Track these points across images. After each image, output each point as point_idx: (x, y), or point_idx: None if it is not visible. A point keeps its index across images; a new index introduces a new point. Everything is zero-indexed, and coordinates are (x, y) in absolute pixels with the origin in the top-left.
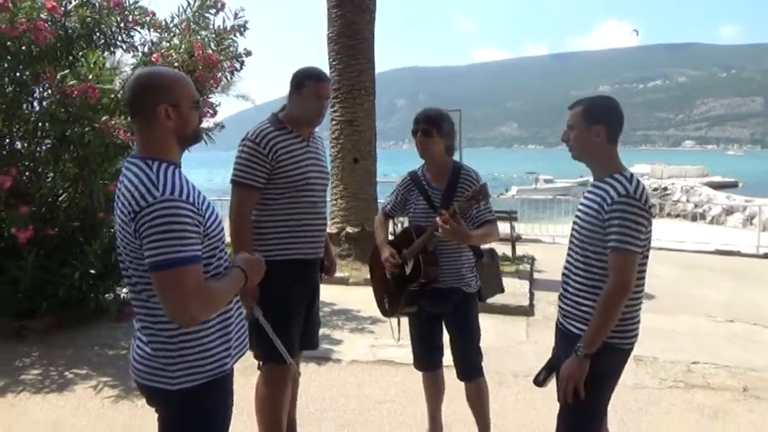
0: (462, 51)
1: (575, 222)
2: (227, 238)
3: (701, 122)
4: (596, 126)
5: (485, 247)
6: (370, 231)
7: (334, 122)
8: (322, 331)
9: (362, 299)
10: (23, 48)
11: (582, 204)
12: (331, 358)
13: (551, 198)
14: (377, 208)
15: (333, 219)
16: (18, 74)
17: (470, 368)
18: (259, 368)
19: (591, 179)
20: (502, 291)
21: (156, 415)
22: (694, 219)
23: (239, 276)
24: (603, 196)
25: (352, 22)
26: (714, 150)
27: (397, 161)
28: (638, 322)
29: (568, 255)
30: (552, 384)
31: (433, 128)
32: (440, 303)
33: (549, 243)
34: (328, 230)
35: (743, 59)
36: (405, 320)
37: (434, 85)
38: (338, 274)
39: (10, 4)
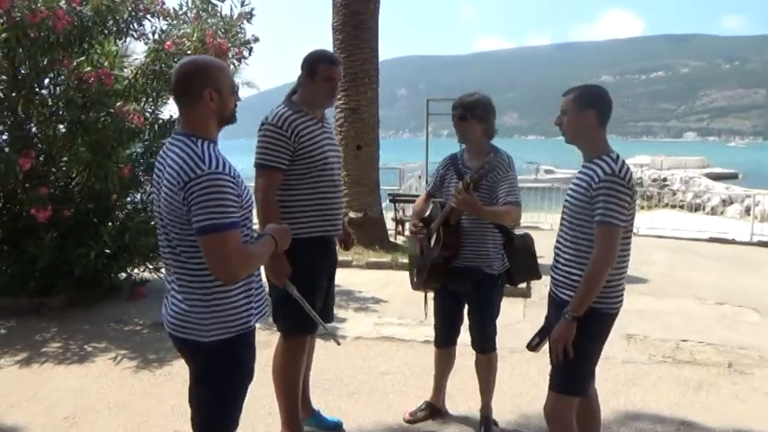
0: (464, 41)
1: (566, 200)
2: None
3: (703, 114)
4: (587, 111)
5: (519, 231)
6: (373, 216)
7: (338, 110)
8: None
9: (365, 281)
10: (42, 35)
11: (573, 183)
12: (336, 334)
13: (550, 186)
14: (379, 194)
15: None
16: (37, 60)
17: (485, 343)
18: (284, 339)
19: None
20: (537, 277)
21: (174, 382)
22: (693, 209)
23: (270, 242)
24: (591, 175)
25: (356, 12)
26: (716, 142)
27: (397, 150)
28: (623, 289)
29: (560, 230)
30: (545, 360)
31: (467, 113)
32: (460, 281)
33: (547, 230)
34: None
35: (746, 51)
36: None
37: (436, 74)
38: (342, 258)
39: None
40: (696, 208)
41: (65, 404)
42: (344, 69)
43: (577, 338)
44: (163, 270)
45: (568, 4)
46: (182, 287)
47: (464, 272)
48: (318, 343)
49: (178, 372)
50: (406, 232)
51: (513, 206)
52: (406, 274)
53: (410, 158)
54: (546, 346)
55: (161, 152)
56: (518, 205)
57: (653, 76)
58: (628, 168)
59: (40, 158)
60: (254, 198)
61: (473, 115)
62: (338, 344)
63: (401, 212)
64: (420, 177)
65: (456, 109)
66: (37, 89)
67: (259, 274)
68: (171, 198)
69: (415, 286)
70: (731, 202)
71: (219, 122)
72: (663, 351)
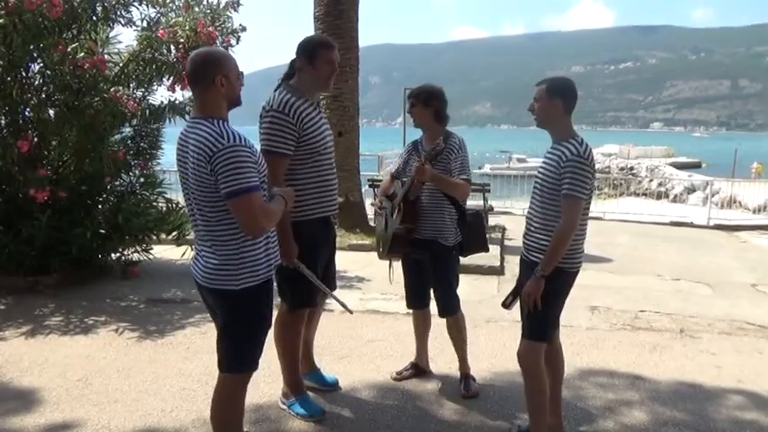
0: (438, 29)
1: (537, 176)
2: None
3: (669, 104)
4: (555, 100)
5: (470, 208)
6: (354, 201)
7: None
8: None
9: (348, 262)
10: (36, 20)
11: (543, 162)
12: (324, 309)
13: (522, 174)
14: (359, 179)
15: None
16: (30, 46)
17: (447, 306)
18: (287, 312)
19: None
20: (486, 250)
21: (178, 350)
22: (658, 197)
23: (281, 201)
24: (560, 155)
25: (337, 2)
26: (681, 132)
27: (371, 138)
28: (582, 252)
29: (531, 201)
30: (516, 329)
31: (415, 100)
32: (420, 251)
33: (519, 215)
34: None
35: (712, 43)
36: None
37: (409, 62)
38: None
39: None
40: (661, 195)
41: (76, 368)
42: None
43: (544, 292)
44: (152, 251)
45: None
46: (213, 245)
47: (423, 243)
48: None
49: (180, 342)
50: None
51: (464, 182)
52: None
53: (385, 147)
54: (512, 314)
55: (181, 135)
56: (469, 182)
57: (622, 67)
58: (590, 150)
59: (34, 140)
60: (263, 161)
61: (418, 101)
62: (350, 312)
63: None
64: None
65: (408, 99)
66: (27, 74)
67: (274, 233)
68: (199, 172)
69: (381, 256)
70: (694, 190)
71: (229, 105)
72: (623, 320)
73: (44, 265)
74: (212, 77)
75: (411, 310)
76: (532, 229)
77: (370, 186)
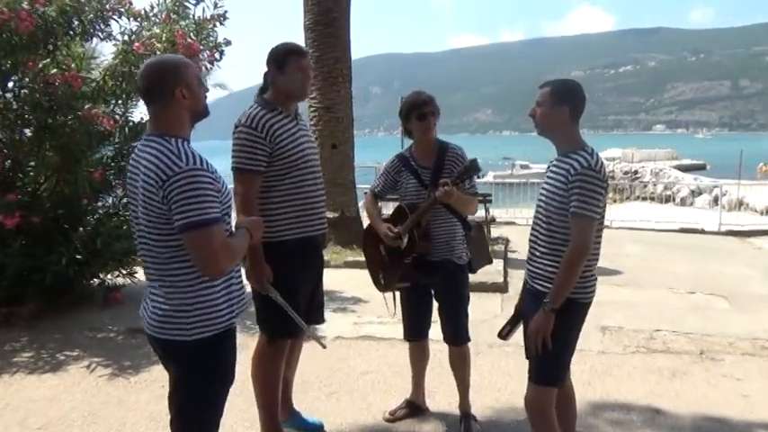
0: (438, 37)
1: (541, 193)
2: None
3: (671, 106)
4: (561, 106)
5: (472, 221)
6: (350, 216)
7: (312, 109)
8: None
9: (344, 281)
10: (4, 36)
11: (548, 177)
12: (321, 338)
13: (525, 182)
14: (355, 193)
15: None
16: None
17: (460, 334)
18: (266, 343)
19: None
20: (490, 262)
21: (151, 389)
22: (664, 201)
23: (246, 234)
24: (567, 169)
25: (328, 10)
26: (684, 134)
27: (373, 148)
28: (595, 279)
29: (535, 223)
30: (523, 352)
31: (435, 110)
32: (432, 274)
33: (523, 225)
34: None
35: (711, 44)
36: (398, 295)
37: (410, 71)
38: None
39: None
40: (666, 199)
41: (38, 414)
42: (317, 68)
43: (554, 329)
44: (138, 275)
45: (540, 0)
46: (164, 288)
47: (436, 265)
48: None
49: (156, 378)
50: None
51: (474, 197)
52: None
53: (385, 156)
54: (519, 337)
55: (133, 155)
56: (476, 195)
57: (622, 70)
58: (602, 163)
59: (7, 164)
60: (233, 197)
61: (434, 113)
62: (323, 347)
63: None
64: None
65: (427, 106)
66: (1, 92)
67: (239, 272)
68: (149, 199)
69: (384, 288)
70: (700, 193)
71: (193, 118)
72: (637, 341)
73: (19, 294)
74: (171, 91)
75: (409, 342)
76: (537, 254)
77: None
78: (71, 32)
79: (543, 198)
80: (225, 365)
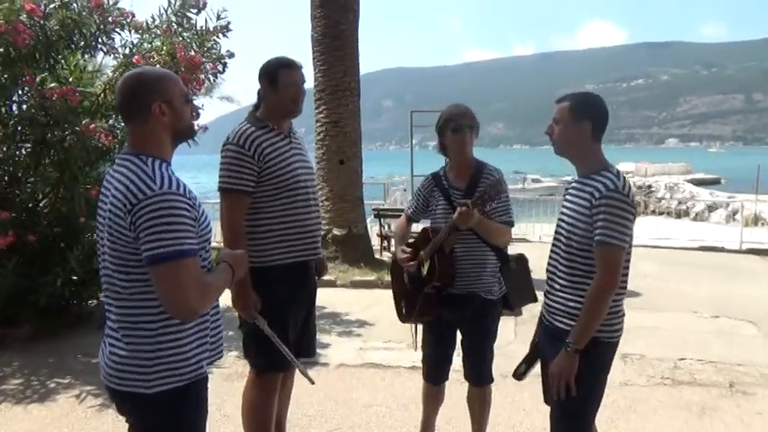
0: (450, 51)
1: (560, 219)
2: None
3: (684, 120)
4: (583, 122)
5: (512, 251)
6: (357, 233)
7: (318, 124)
8: None
9: (349, 302)
10: (1, 50)
11: (567, 201)
12: (318, 362)
13: (537, 198)
14: (363, 209)
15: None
16: None
17: (483, 375)
18: (256, 376)
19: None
20: (534, 300)
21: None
22: (678, 216)
23: (227, 270)
24: (591, 192)
25: (336, 23)
26: (697, 147)
27: (384, 161)
28: (623, 315)
29: (553, 251)
30: (539, 384)
31: (474, 124)
32: (457, 310)
33: (535, 242)
34: None
35: (724, 57)
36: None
37: (421, 85)
38: (325, 277)
39: None
40: (681, 214)
41: None
42: (325, 82)
43: (579, 372)
44: None
45: (551, 14)
46: (123, 329)
47: (461, 299)
48: (298, 372)
49: None
50: (392, 249)
51: (507, 226)
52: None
53: (397, 170)
54: (537, 379)
55: (107, 175)
56: (511, 225)
57: (634, 84)
58: (630, 185)
59: (5, 179)
60: (211, 222)
61: (472, 128)
62: (312, 383)
63: (386, 228)
64: (405, 191)
65: (464, 119)
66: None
67: (216, 312)
68: (115, 224)
69: (405, 319)
70: (716, 208)
71: (175, 138)
72: (661, 371)
73: (15, 315)
74: (147, 106)
75: (426, 383)
76: (557, 286)
77: (375, 216)
78: (72, 46)
79: (563, 225)
80: (192, 423)
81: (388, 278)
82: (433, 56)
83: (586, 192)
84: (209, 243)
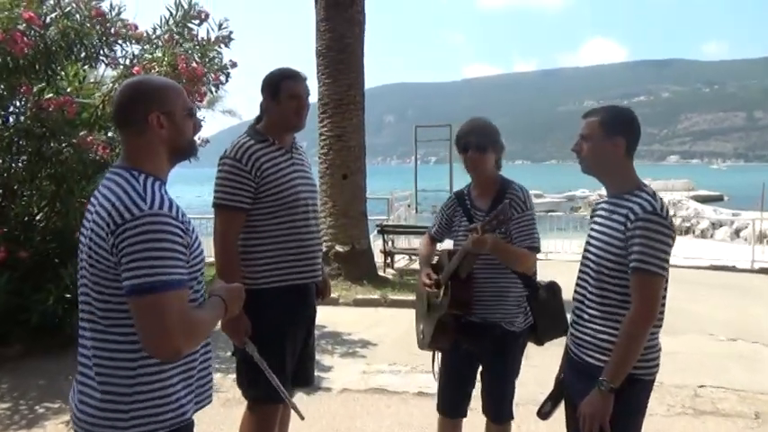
0: (452, 67)
1: (588, 243)
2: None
3: (685, 137)
4: (616, 138)
5: (543, 279)
6: (360, 250)
7: (322, 137)
8: None
9: (353, 321)
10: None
11: (596, 223)
12: (320, 387)
13: (540, 214)
14: (367, 225)
15: (321, 237)
16: None
17: (503, 410)
18: (250, 408)
19: (581, 193)
20: (564, 332)
21: None
22: (683, 233)
23: (219, 306)
24: (625, 213)
25: (341, 36)
26: (698, 164)
27: (386, 176)
28: (660, 350)
29: (581, 278)
30: (558, 416)
31: (488, 142)
32: (476, 340)
33: (541, 260)
34: None
35: (725, 75)
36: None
37: (424, 101)
38: None
39: None
40: (685, 231)
41: None
42: (329, 95)
43: (614, 413)
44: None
45: (554, 32)
46: (98, 366)
47: (481, 328)
48: (299, 398)
49: None
50: (396, 265)
51: (530, 252)
52: (397, 311)
53: (399, 185)
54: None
55: (94, 192)
56: (536, 250)
57: (635, 100)
58: (667, 207)
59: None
60: (203, 247)
61: (494, 146)
62: (302, 418)
63: (390, 244)
64: (409, 206)
65: (471, 136)
66: None
67: (207, 352)
68: (95, 245)
69: (422, 345)
70: (720, 225)
71: (174, 154)
72: (681, 400)
73: (5, 333)
74: (145, 115)
75: (441, 416)
76: (585, 317)
77: (379, 232)
78: (73, 56)
79: (591, 249)
80: None
81: (391, 296)
82: (435, 72)
83: (619, 214)
84: (202, 273)
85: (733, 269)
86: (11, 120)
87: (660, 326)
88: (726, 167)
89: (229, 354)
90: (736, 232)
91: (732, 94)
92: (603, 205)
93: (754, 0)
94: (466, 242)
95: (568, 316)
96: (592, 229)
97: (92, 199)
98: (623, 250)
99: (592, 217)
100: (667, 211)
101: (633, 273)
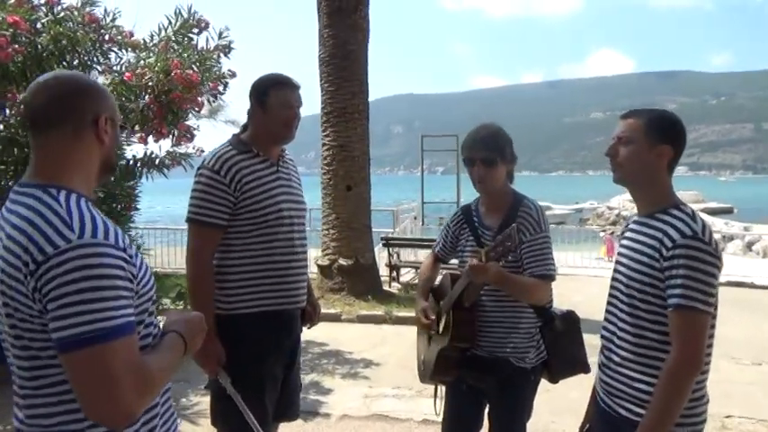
0: (459, 78)
1: (617, 270)
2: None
3: (693, 149)
4: (662, 146)
5: (559, 308)
6: (364, 263)
7: (325, 147)
8: (310, 377)
9: (355, 338)
10: None
11: (625, 247)
12: (319, 412)
13: (552, 226)
14: (371, 238)
15: (324, 250)
16: None
17: None
18: None
19: (589, 205)
20: (585, 370)
21: None
22: None
23: (178, 345)
24: (660, 238)
25: (344, 43)
26: (707, 176)
27: (392, 186)
28: (708, 402)
29: (610, 313)
30: None
31: (496, 155)
32: (481, 376)
33: None
34: (319, 262)
35: (733, 87)
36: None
37: (430, 111)
38: (330, 311)
39: None
40: None
41: None
42: (332, 103)
43: None
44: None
45: (560, 43)
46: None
47: (487, 364)
48: (296, 424)
49: None
50: (402, 278)
51: (541, 281)
52: (402, 328)
53: (405, 196)
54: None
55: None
56: (550, 279)
57: None
58: (711, 229)
59: None
60: (149, 273)
61: (503, 158)
62: None
63: (395, 257)
64: (415, 218)
65: (476, 150)
66: None
67: (167, 396)
68: (11, 289)
69: (422, 377)
70: (731, 239)
71: (104, 171)
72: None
73: None
74: (92, 115)
75: None
76: (617, 359)
77: (384, 246)
78: (65, 63)
79: (621, 278)
80: None
81: (396, 312)
82: (442, 83)
83: (653, 237)
84: (153, 302)
85: (752, 286)
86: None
87: (707, 371)
88: (734, 179)
89: (202, 387)
90: (749, 246)
91: (740, 105)
92: (633, 225)
93: (763, 11)
94: (465, 269)
95: (590, 350)
96: (620, 254)
97: None
98: (659, 281)
99: (621, 240)
100: (711, 235)
101: (674, 311)
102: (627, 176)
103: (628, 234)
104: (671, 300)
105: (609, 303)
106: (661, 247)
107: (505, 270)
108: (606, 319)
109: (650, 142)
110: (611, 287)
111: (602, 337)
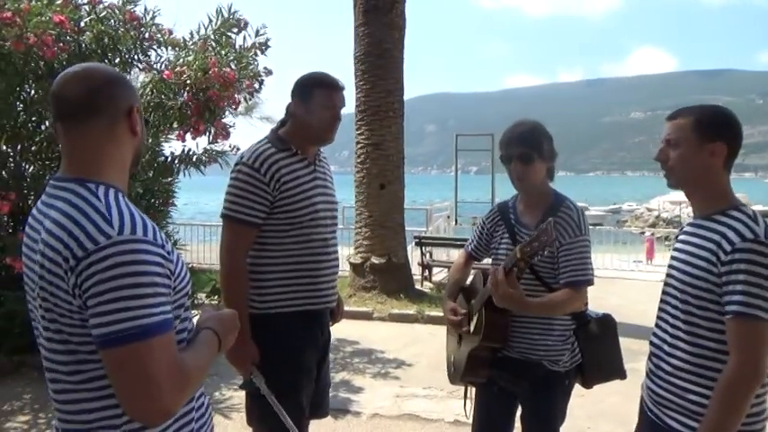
0: (494, 77)
1: (669, 275)
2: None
3: None
4: (714, 143)
5: (595, 311)
6: (397, 262)
7: (359, 145)
8: (341, 375)
9: (387, 337)
10: (32, 64)
11: (679, 251)
12: (350, 410)
13: (593, 225)
14: (404, 237)
15: (357, 248)
16: (26, 92)
17: None
18: None
19: (627, 206)
20: (621, 376)
21: None
22: None
23: (212, 342)
24: (718, 241)
25: (380, 41)
26: (752, 178)
27: (425, 186)
28: (767, 419)
29: (661, 319)
30: None
31: (533, 151)
32: (513, 379)
33: None
34: (352, 260)
35: None
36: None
37: (465, 111)
38: (361, 309)
39: (18, 20)
40: None
41: None
42: (367, 102)
43: None
44: None
45: (600, 41)
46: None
47: (520, 366)
48: (326, 422)
49: None
50: (434, 278)
51: (574, 290)
52: (434, 328)
53: (438, 195)
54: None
55: (33, 211)
56: (585, 285)
57: None
58: None
59: (29, 199)
60: (185, 269)
61: (539, 152)
62: None
63: (428, 256)
64: (449, 218)
65: (512, 147)
66: (26, 123)
67: (202, 401)
68: (51, 285)
69: (452, 379)
70: None
71: (135, 164)
72: None
73: (33, 341)
74: (126, 106)
75: None
76: (667, 368)
77: (417, 245)
78: (107, 61)
79: (674, 283)
80: None
81: (428, 312)
82: (477, 82)
83: (710, 240)
84: (188, 297)
85: None
86: (42, 126)
87: None
88: None
89: (233, 381)
90: None
91: None
92: (688, 228)
93: None
94: (490, 276)
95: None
96: (673, 258)
97: (31, 222)
98: (716, 287)
99: (675, 244)
100: None
101: (733, 318)
102: (680, 181)
103: (682, 237)
104: (729, 307)
105: (660, 309)
106: (719, 251)
107: (524, 295)
108: (657, 325)
109: (701, 141)
110: (663, 292)
111: (652, 343)
